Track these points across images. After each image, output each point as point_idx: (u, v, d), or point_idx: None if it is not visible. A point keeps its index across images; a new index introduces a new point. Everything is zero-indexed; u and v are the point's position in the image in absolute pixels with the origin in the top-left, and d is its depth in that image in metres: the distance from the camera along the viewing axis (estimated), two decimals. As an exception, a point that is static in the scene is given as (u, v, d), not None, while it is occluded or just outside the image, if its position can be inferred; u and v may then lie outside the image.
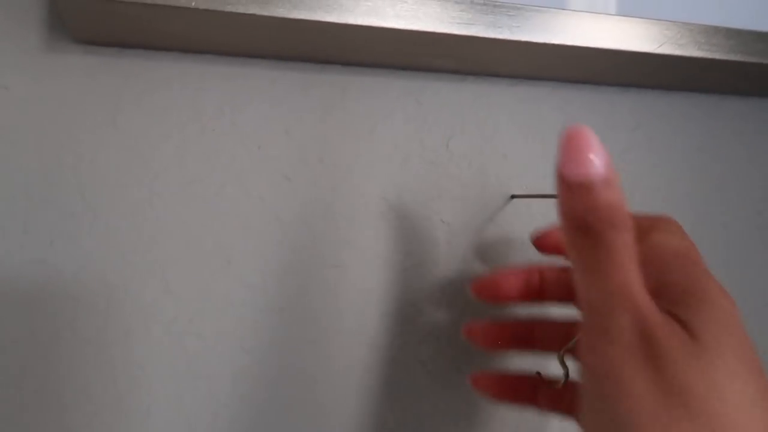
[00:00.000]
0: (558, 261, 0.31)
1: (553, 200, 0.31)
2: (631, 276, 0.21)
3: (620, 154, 0.38)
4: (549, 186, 0.36)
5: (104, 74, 0.31)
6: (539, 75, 0.36)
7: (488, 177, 0.36)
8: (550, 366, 0.31)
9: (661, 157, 0.39)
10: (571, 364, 0.28)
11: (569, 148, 0.21)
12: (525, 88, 0.37)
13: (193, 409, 0.31)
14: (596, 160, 0.21)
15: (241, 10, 0.28)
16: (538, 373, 0.31)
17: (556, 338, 0.30)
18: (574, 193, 0.21)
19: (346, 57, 0.33)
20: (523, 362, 0.34)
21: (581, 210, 0.21)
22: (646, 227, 0.24)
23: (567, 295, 0.30)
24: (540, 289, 0.31)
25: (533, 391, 0.30)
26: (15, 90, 0.30)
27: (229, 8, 0.28)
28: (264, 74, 0.33)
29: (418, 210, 0.34)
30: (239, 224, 0.32)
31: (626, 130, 0.38)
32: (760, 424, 0.19)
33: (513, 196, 0.35)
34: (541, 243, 0.31)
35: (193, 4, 0.27)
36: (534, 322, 0.32)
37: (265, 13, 0.28)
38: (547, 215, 0.36)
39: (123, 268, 0.30)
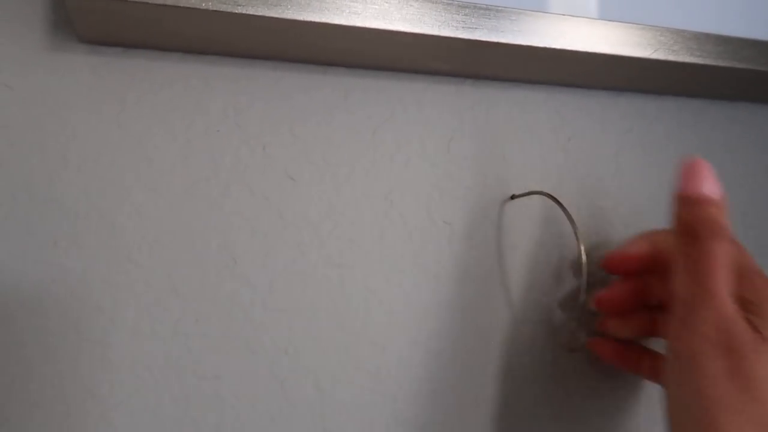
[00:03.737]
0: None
1: (551, 199, 0.32)
2: (720, 281, 0.26)
3: (613, 156, 0.39)
4: (547, 185, 0.37)
5: (109, 74, 0.31)
6: (536, 79, 0.37)
7: (488, 178, 0.36)
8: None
9: (652, 159, 0.40)
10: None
11: (689, 172, 0.28)
12: (523, 91, 0.38)
13: (199, 409, 0.31)
14: (709, 184, 0.28)
15: (250, 11, 0.28)
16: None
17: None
18: (687, 206, 0.27)
19: (350, 59, 0.34)
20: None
21: (691, 219, 0.27)
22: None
23: None
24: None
25: (638, 361, 0.34)
26: (19, 89, 0.30)
27: (239, 9, 0.28)
28: (268, 75, 0.33)
29: (420, 210, 0.35)
30: (244, 224, 0.32)
31: (619, 132, 0.39)
32: None
33: (513, 196, 0.36)
34: (609, 265, 0.35)
35: (203, 5, 0.27)
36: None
37: (274, 14, 0.28)
38: (546, 214, 0.37)
39: (128, 268, 0.30)
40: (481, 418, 0.35)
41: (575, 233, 0.32)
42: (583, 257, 0.32)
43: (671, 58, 0.35)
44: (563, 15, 0.33)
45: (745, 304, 0.27)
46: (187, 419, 0.30)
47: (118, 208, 0.31)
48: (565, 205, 0.37)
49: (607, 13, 0.34)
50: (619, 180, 0.39)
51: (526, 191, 0.36)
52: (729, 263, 0.26)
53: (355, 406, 0.33)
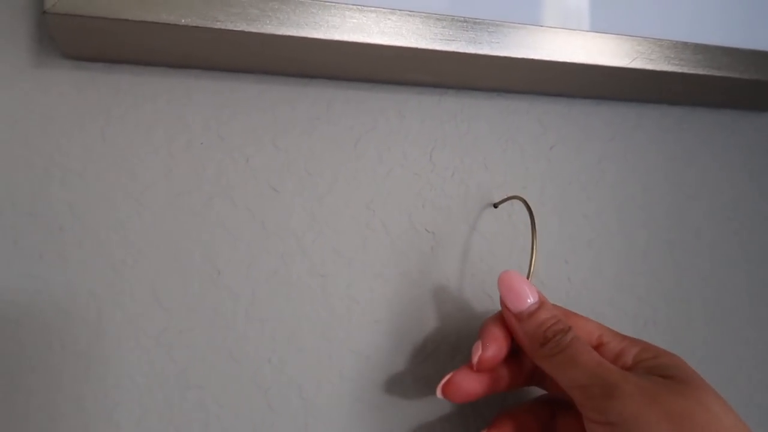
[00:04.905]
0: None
1: (524, 204, 0.33)
2: (595, 355, 0.28)
3: (596, 163, 0.39)
4: (529, 194, 0.37)
5: (93, 89, 0.31)
6: (517, 88, 0.38)
7: (470, 187, 0.37)
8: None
9: (635, 166, 0.40)
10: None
11: (508, 291, 0.30)
12: (504, 101, 0.38)
13: (183, 419, 0.31)
14: (529, 293, 0.30)
15: (229, 26, 0.29)
16: None
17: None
18: (525, 321, 0.29)
19: (331, 71, 0.34)
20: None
21: (538, 330, 0.29)
22: (661, 352, 0.30)
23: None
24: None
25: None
26: (4, 105, 0.30)
27: (218, 25, 0.28)
28: (250, 88, 0.34)
29: (402, 220, 0.35)
30: (227, 235, 0.33)
31: (602, 141, 0.40)
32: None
33: (495, 205, 0.37)
34: (447, 392, 0.31)
35: (182, 21, 0.28)
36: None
37: (253, 29, 0.29)
38: (527, 222, 0.37)
39: (112, 280, 0.31)
40: (465, 424, 0.35)
41: (532, 242, 0.33)
42: (531, 267, 0.33)
43: (649, 66, 0.35)
44: (541, 27, 0.33)
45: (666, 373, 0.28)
46: (172, 429, 0.31)
47: (103, 220, 0.31)
48: (546, 213, 0.38)
49: (596, 26, 0.35)
50: (602, 187, 0.39)
51: (506, 198, 0.37)
52: (585, 341, 0.29)
53: (338, 415, 0.33)
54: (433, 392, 0.34)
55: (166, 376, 0.31)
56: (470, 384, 0.31)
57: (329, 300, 0.34)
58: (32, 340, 0.30)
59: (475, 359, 0.31)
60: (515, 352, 0.32)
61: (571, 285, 0.38)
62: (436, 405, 0.35)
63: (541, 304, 0.30)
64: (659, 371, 0.27)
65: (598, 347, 0.30)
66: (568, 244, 0.38)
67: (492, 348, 0.30)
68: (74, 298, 0.30)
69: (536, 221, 0.33)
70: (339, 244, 0.34)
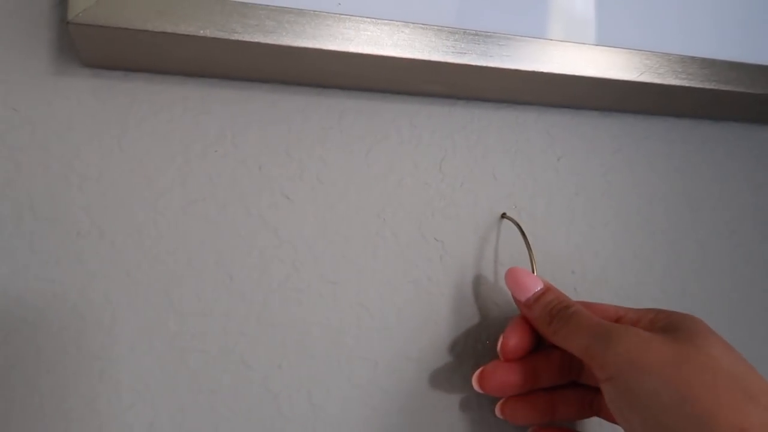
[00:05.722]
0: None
1: (514, 224, 0.37)
2: (595, 318, 0.30)
3: (603, 175, 0.40)
4: (537, 204, 0.38)
5: (111, 97, 0.32)
6: (526, 100, 0.38)
7: (479, 196, 0.37)
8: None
9: (641, 177, 0.41)
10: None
11: (515, 282, 0.33)
12: (513, 112, 0.38)
13: (195, 422, 0.32)
14: (533, 281, 0.33)
15: (247, 38, 0.29)
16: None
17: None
18: (533, 306, 0.32)
19: (344, 82, 0.35)
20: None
21: (544, 311, 0.32)
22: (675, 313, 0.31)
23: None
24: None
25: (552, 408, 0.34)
26: (24, 112, 0.31)
27: (235, 36, 0.29)
28: (265, 97, 0.34)
29: (412, 228, 0.36)
30: (240, 242, 0.33)
31: (608, 152, 0.40)
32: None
33: (504, 215, 0.37)
34: (482, 383, 0.33)
35: (201, 32, 0.28)
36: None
37: (270, 41, 0.29)
38: (533, 232, 0.37)
39: (127, 285, 0.31)
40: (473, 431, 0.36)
41: (531, 259, 0.35)
42: (533, 264, 0.35)
43: (657, 80, 0.36)
44: (551, 40, 0.34)
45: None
46: (183, 432, 0.31)
47: (119, 226, 0.31)
48: (553, 224, 0.38)
49: (605, 40, 0.35)
50: (609, 198, 0.40)
51: (516, 210, 0.37)
52: (588, 314, 0.30)
53: (347, 421, 0.34)
54: (441, 399, 0.35)
55: (179, 379, 0.32)
56: (503, 375, 0.32)
57: (339, 307, 0.34)
58: (48, 342, 0.30)
59: (498, 348, 0.33)
60: (546, 347, 0.33)
61: (577, 295, 0.38)
62: (444, 412, 0.35)
63: (546, 289, 0.33)
64: (668, 327, 0.29)
65: (617, 321, 0.31)
66: (575, 254, 0.39)
67: (513, 338, 0.33)
68: (90, 302, 0.31)
69: (543, 231, 0.35)
70: (350, 251, 0.35)
